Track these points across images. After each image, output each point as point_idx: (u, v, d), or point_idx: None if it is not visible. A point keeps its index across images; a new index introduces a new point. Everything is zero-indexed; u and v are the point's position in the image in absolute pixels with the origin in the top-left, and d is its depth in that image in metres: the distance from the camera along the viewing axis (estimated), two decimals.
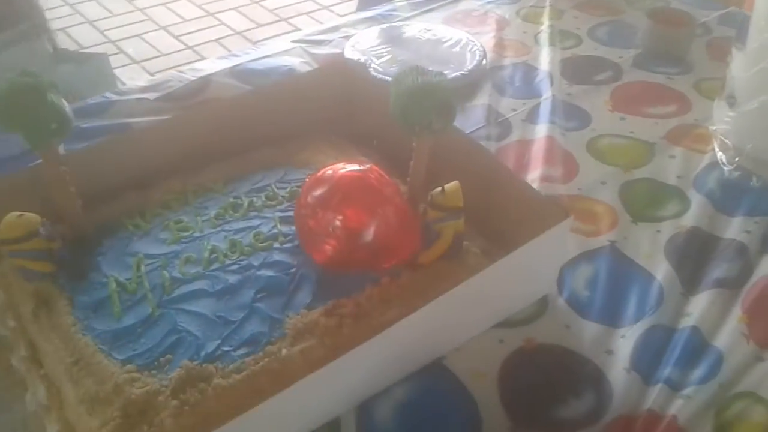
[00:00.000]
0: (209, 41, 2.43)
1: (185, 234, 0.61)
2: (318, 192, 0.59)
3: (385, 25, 1.08)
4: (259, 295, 0.56)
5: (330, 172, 0.60)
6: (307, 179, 0.61)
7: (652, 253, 0.68)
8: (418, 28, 1.07)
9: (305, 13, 2.75)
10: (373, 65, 0.95)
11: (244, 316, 0.54)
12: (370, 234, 0.57)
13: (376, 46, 1.02)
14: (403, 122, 0.57)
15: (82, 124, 0.84)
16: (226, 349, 0.52)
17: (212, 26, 2.56)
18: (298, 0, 2.87)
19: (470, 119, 0.88)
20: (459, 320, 0.57)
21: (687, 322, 0.61)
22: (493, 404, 0.54)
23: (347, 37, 1.05)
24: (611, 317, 0.61)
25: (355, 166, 0.60)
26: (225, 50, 2.31)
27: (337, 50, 1.01)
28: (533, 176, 0.78)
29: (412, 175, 0.61)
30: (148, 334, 0.53)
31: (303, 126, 0.76)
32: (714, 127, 0.83)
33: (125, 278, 0.57)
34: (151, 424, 0.47)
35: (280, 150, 0.73)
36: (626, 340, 0.59)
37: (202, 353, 0.51)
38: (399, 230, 0.59)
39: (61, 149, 0.65)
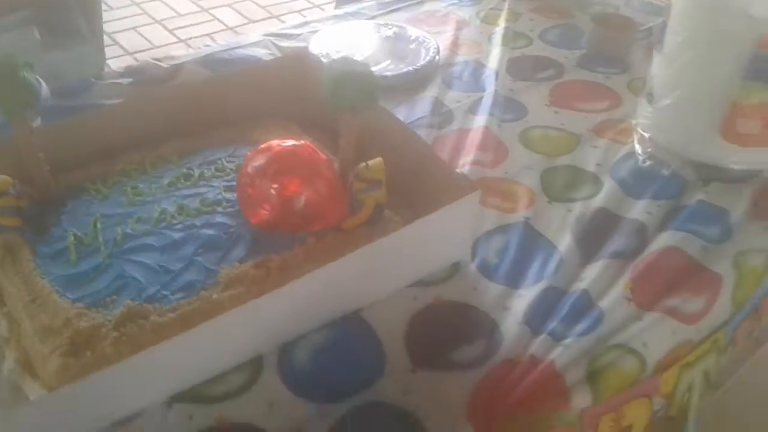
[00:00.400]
0: (202, 35, 2.52)
1: (139, 198, 0.70)
2: (257, 163, 0.67)
3: (349, 22, 1.17)
4: (199, 250, 0.64)
5: (268, 146, 0.68)
6: (249, 153, 0.69)
7: (559, 229, 0.76)
8: (381, 26, 1.15)
9: (297, 11, 2.84)
10: (332, 59, 1.03)
11: (183, 267, 0.62)
12: (301, 201, 0.65)
13: (340, 41, 1.10)
14: (331, 104, 0.65)
15: (63, 102, 0.93)
16: (164, 293, 0.60)
17: (206, 21, 2.65)
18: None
19: (417, 109, 0.96)
20: (375, 276, 0.65)
21: (579, 286, 0.69)
22: (398, 349, 0.62)
23: (315, 33, 1.13)
24: (513, 280, 0.69)
25: (292, 142, 0.68)
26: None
27: (303, 44, 1.10)
28: (465, 160, 0.86)
29: (342, 152, 0.69)
30: (99, 279, 0.61)
31: (260, 111, 0.84)
32: (635, 122, 0.92)
33: (82, 233, 0.65)
34: (94, 351, 0.55)
35: (235, 130, 0.81)
36: (522, 299, 0.67)
37: (144, 295, 0.59)
38: (327, 198, 0.67)
39: (38, 122, 0.74)
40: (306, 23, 1.18)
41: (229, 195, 0.70)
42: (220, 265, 0.63)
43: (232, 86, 0.86)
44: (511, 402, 0.58)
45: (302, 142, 0.69)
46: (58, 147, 0.70)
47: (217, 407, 0.57)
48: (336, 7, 1.51)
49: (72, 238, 0.64)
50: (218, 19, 2.68)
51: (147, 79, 0.99)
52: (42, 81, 0.68)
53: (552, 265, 0.71)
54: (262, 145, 0.69)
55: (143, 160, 0.75)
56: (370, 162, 0.66)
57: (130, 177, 0.73)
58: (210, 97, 0.83)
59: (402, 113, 0.94)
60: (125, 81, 0.98)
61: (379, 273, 0.66)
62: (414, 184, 0.74)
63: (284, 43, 1.10)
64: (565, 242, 0.74)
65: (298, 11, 2.83)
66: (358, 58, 1.03)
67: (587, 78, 1.06)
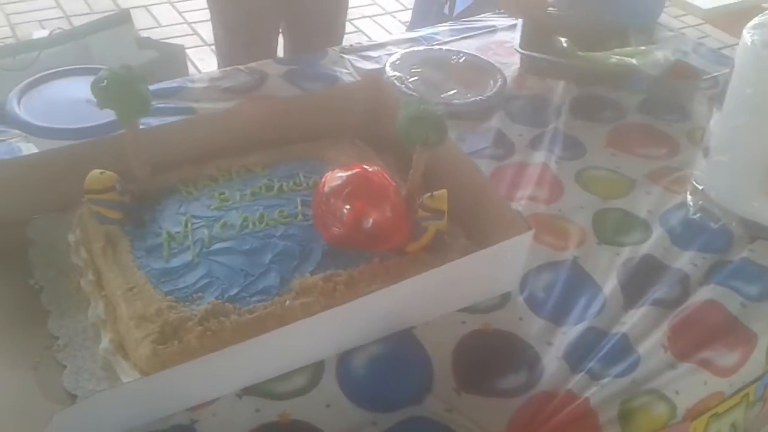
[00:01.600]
0: None
1: (226, 204, 0.77)
2: (333, 184, 0.73)
3: (422, 47, 1.23)
4: (275, 258, 0.71)
5: (345, 169, 0.75)
6: (328, 171, 0.76)
7: (606, 271, 0.81)
8: (453, 53, 1.21)
9: (368, 16, 2.91)
10: (405, 83, 1.10)
11: (262, 273, 0.69)
12: (368, 222, 0.72)
13: (412, 65, 1.16)
14: (405, 139, 0.71)
15: (156, 103, 1.01)
16: (244, 295, 0.67)
17: None
18: (365, 3, 3.04)
19: (480, 139, 1.01)
20: (430, 299, 0.71)
21: (619, 329, 0.73)
22: (445, 369, 0.68)
23: (390, 55, 1.20)
24: (558, 316, 0.75)
25: (365, 167, 0.75)
26: None
27: (378, 66, 1.16)
28: (522, 194, 0.91)
29: (410, 180, 0.75)
30: (188, 276, 0.68)
31: (336, 128, 0.90)
32: (691, 172, 0.95)
33: (175, 231, 0.73)
34: (180, 341, 0.63)
35: (313, 146, 0.88)
36: (565, 336, 0.72)
37: (226, 295, 0.67)
38: (393, 222, 0.73)
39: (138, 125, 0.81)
40: (382, 45, 1.24)
41: (305, 209, 0.77)
42: (293, 275, 0.69)
43: (314, 104, 0.93)
44: (546, 431, 0.63)
45: (375, 168, 0.75)
46: (155, 149, 0.79)
47: (281, 404, 0.64)
48: (409, 29, 1.58)
49: (165, 235, 0.72)
50: None
51: (235, 86, 1.07)
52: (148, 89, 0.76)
53: (596, 306, 0.76)
54: (339, 167, 0.75)
55: (230, 168, 0.82)
56: (436, 192, 0.72)
57: (218, 182, 0.81)
58: (292, 112, 0.90)
59: (466, 142, 1.00)
60: (216, 86, 1.06)
61: (433, 296, 0.72)
62: (471, 214, 0.79)
63: (360, 64, 1.17)
64: (610, 285, 0.79)
65: (370, 16, 2.90)
66: (429, 83, 1.10)
67: (647, 122, 1.09)
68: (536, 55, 1.14)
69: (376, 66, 1.16)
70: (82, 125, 0.82)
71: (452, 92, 1.10)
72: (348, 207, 0.72)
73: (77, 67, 0.90)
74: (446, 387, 0.67)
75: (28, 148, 0.89)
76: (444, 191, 0.72)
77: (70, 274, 0.73)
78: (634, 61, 1.10)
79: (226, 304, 0.66)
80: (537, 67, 1.16)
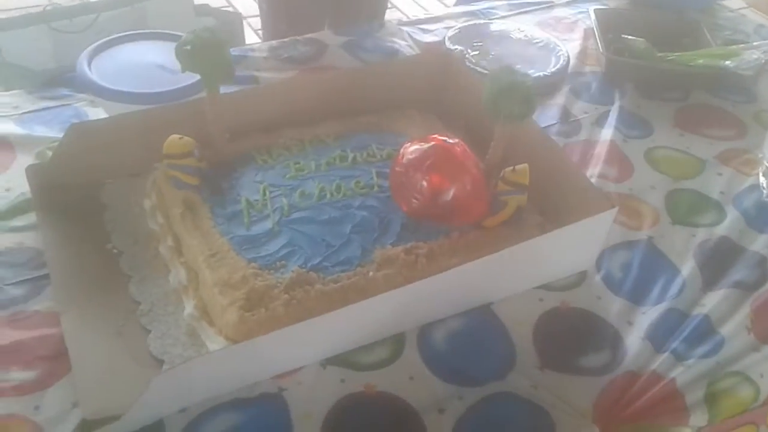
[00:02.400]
0: None
1: (302, 173, 0.76)
2: (413, 155, 0.72)
3: (482, 21, 1.21)
4: (355, 229, 0.70)
5: (424, 141, 0.73)
6: (406, 143, 0.75)
7: (683, 252, 0.79)
8: (512, 27, 1.19)
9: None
10: (467, 56, 1.08)
11: (342, 243, 0.68)
12: (449, 195, 0.70)
13: (473, 39, 1.14)
14: (492, 110, 0.70)
15: None
16: (326, 264, 0.66)
17: None
18: None
19: (546, 116, 1.00)
20: (509, 275, 0.70)
21: (700, 311, 0.72)
22: (527, 346, 0.67)
23: (448, 29, 1.18)
24: (636, 297, 0.73)
25: (446, 139, 0.74)
26: None
27: (438, 39, 1.14)
28: (591, 172, 0.89)
29: (491, 153, 0.74)
30: (270, 243, 0.68)
31: (401, 100, 0.89)
32: (762, 155, 0.93)
33: (254, 199, 0.72)
34: (267, 309, 0.62)
35: (381, 117, 0.87)
36: (645, 316, 0.71)
37: (309, 264, 0.66)
38: (472, 196, 0.72)
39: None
40: (439, 18, 1.22)
41: (380, 181, 0.76)
42: (374, 246, 0.69)
43: (378, 75, 0.91)
44: (633, 411, 0.62)
45: (456, 140, 0.74)
46: (229, 116, 0.78)
47: (365, 375, 0.63)
48: (456, 4, 1.54)
49: (245, 203, 0.71)
50: None
51: (295, 56, 1.06)
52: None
53: (675, 287, 0.75)
54: (417, 140, 0.74)
55: (302, 138, 0.81)
56: (518, 167, 0.71)
57: (291, 152, 0.80)
58: (358, 84, 0.89)
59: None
60: (275, 56, 1.05)
61: (512, 273, 0.71)
62: (546, 190, 0.78)
63: (419, 37, 1.15)
64: (688, 266, 0.77)
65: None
66: (490, 58, 1.08)
67: (713, 103, 1.07)
68: (625, 60, 1.08)
69: (434, 39, 1.14)
70: (153, 90, 0.81)
71: (516, 66, 1.07)
72: (428, 179, 0.70)
73: (146, 31, 0.89)
74: (529, 364, 0.66)
75: (96, 113, 0.89)
76: (526, 165, 0.71)
77: (147, 240, 0.73)
78: (728, 63, 1.04)
79: (310, 273, 0.65)
80: (622, 74, 1.09)
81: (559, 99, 1.04)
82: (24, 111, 0.89)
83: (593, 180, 0.88)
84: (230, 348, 0.59)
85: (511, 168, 0.71)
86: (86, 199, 0.76)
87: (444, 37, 1.13)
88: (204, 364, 0.57)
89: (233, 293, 0.63)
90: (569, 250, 0.73)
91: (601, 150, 0.94)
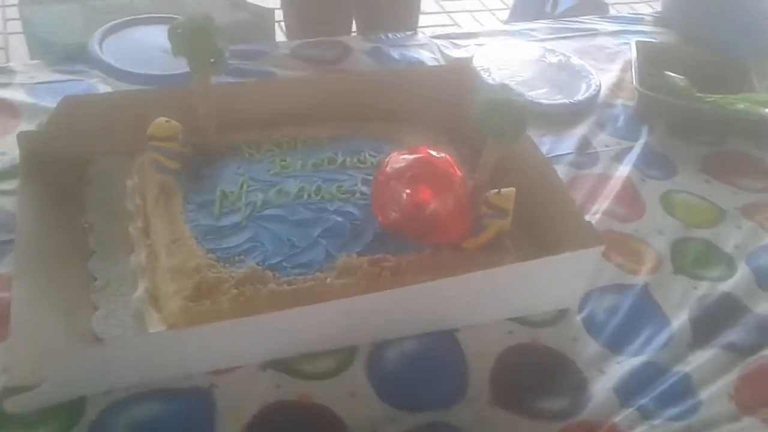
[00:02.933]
0: None
1: (286, 171, 0.75)
2: (397, 165, 0.70)
3: (516, 41, 1.17)
4: (324, 233, 0.68)
5: (411, 152, 0.71)
6: (394, 152, 0.72)
7: (678, 304, 0.74)
8: (547, 51, 1.15)
9: (468, 11, 2.85)
10: (491, 75, 1.04)
11: (308, 245, 0.66)
12: (428, 211, 0.67)
13: (503, 58, 1.11)
14: (480, 128, 0.67)
15: (238, 64, 1.01)
16: (285, 265, 0.64)
17: None
18: None
19: (563, 144, 0.95)
20: (478, 302, 0.67)
21: (682, 368, 0.67)
22: (482, 379, 0.63)
23: (481, 46, 1.15)
24: (615, 344, 0.68)
25: (433, 152, 0.71)
26: None
27: (468, 56, 1.11)
28: (598, 208, 0.85)
29: (479, 173, 0.71)
30: (233, 237, 0.66)
31: (413, 112, 0.86)
32: None
33: (230, 190, 0.71)
34: (213, 302, 0.60)
35: (386, 126, 0.84)
36: (620, 366, 0.66)
37: (267, 263, 0.64)
38: (453, 214, 0.68)
39: (212, 80, 0.80)
40: (475, 34, 1.20)
41: (364, 188, 0.74)
42: (340, 253, 0.66)
43: (393, 82, 0.89)
44: None
45: (443, 155, 0.71)
46: (227, 106, 0.77)
47: (303, 384, 0.61)
48: (507, 22, 1.52)
49: (219, 193, 0.70)
50: None
51: (317, 56, 1.05)
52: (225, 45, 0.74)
53: (660, 340, 0.69)
54: (405, 150, 0.71)
55: (297, 136, 0.80)
56: (503, 190, 0.67)
57: (282, 149, 0.78)
58: (370, 89, 0.87)
59: (547, 144, 0.94)
60: (297, 54, 1.04)
61: (483, 300, 0.67)
62: (539, 218, 0.74)
63: (449, 51, 1.12)
64: (680, 319, 0.72)
65: (470, 11, 2.84)
66: (518, 79, 1.04)
67: (748, 152, 1.00)
68: (658, 96, 1.02)
69: (464, 55, 1.12)
70: (157, 72, 0.81)
71: (541, 91, 1.04)
72: (408, 191, 0.68)
73: (161, 15, 0.89)
74: (479, 398, 0.62)
75: (106, 90, 0.89)
76: (512, 190, 0.67)
77: (121, 219, 0.72)
78: None
79: (266, 271, 0.63)
80: (655, 110, 1.03)
81: (581, 129, 0.99)
82: (37, 81, 0.91)
83: (597, 216, 0.83)
84: (160, 334, 0.58)
85: (496, 191, 0.68)
86: (74, 172, 0.77)
87: (474, 54, 1.10)
88: (132, 346, 0.56)
89: (183, 281, 0.62)
90: (548, 283, 0.69)
91: (614, 186, 0.89)
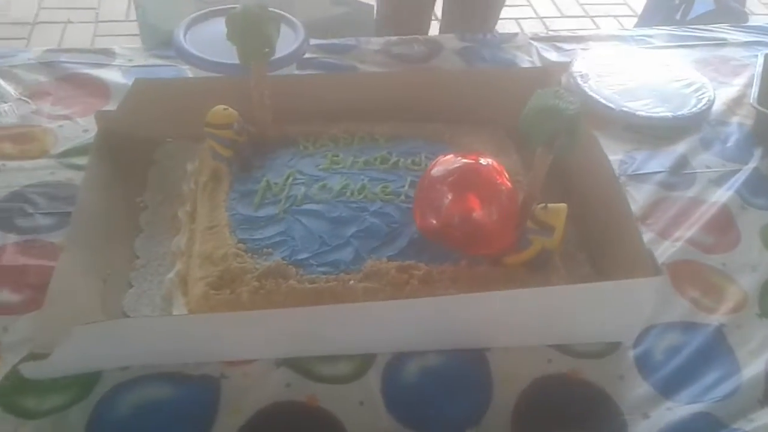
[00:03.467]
0: (508, 18, 2.50)
1: (335, 166, 0.73)
2: (442, 168, 0.66)
3: (626, 47, 1.08)
4: (358, 233, 0.65)
5: (460, 156, 0.66)
6: (442, 156, 0.69)
7: (756, 351, 0.64)
8: (659, 60, 1.05)
9: (614, 16, 2.70)
10: (588, 82, 0.97)
11: (339, 244, 0.64)
12: (470, 220, 0.63)
13: (606, 65, 1.02)
14: (525, 135, 0.61)
15: (324, 58, 1.01)
16: (311, 262, 0.63)
17: (517, 5, 2.64)
18: (614, 1, 2.82)
19: (655, 161, 0.86)
20: (517, 323, 0.61)
21: (744, 426, 0.58)
22: (506, 406, 0.58)
23: (587, 50, 1.07)
24: (669, 388, 0.61)
25: (483, 159, 0.66)
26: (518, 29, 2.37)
27: (567, 59, 1.04)
28: (681, 234, 0.76)
29: (528, 185, 0.65)
30: (266, 228, 0.66)
31: (485, 115, 0.82)
32: None
33: (274, 182, 0.70)
34: (233, 291, 0.60)
35: (449, 129, 0.81)
36: (669, 413, 0.58)
37: (293, 258, 0.63)
38: (496, 227, 0.63)
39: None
40: (582, 38, 1.12)
41: (411, 191, 0.70)
42: (369, 255, 0.64)
43: (467, 83, 0.85)
44: None
45: (492, 162, 0.66)
46: (286, 98, 0.76)
47: (314, 386, 0.59)
48: (636, 26, 1.41)
49: (264, 183, 0.70)
50: (531, 6, 2.66)
51: (406, 53, 1.03)
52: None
53: (724, 389, 0.60)
54: (455, 154, 0.67)
55: (355, 132, 0.78)
56: (552, 205, 0.62)
57: (337, 144, 0.77)
58: (441, 88, 0.83)
59: (636, 160, 0.86)
60: (386, 50, 1.03)
61: (522, 321, 0.62)
62: (599, 238, 0.68)
63: (548, 54, 1.06)
64: (754, 369, 0.62)
65: (615, 16, 2.68)
66: (617, 88, 0.96)
67: None
68: None
69: (564, 60, 1.05)
70: (233, 61, 0.82)
71: (642, 102, 0.95)
72: (451, 197, 0.64)
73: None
74: (498, 427, 0.57)
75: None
76: (563, 206, 0.61)
77: (175, 201, 0.74)
78: None
79: (290, 266, 0.62)
80: None
81: (682, 146, 0.89)
82: (134, 65, 0.96)
83: (678, 243, 0.74)
84: (167, 318, 0.58)
85: (543, 205, 0.62)
86: (142, 153, 0.80)
87: (574, 58, 1.03)
88: (139, 327, 0.56)
89: (209, 268, 0.62)
90: (596, 312, 0.62)
91: (706, 212, 0.79)
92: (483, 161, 0.66)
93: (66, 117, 0.86)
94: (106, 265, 0.66)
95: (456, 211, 0.64)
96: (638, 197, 0.80)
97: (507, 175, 0.66)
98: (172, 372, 0.59)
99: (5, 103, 0.87)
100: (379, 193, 0.70)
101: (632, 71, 1.02)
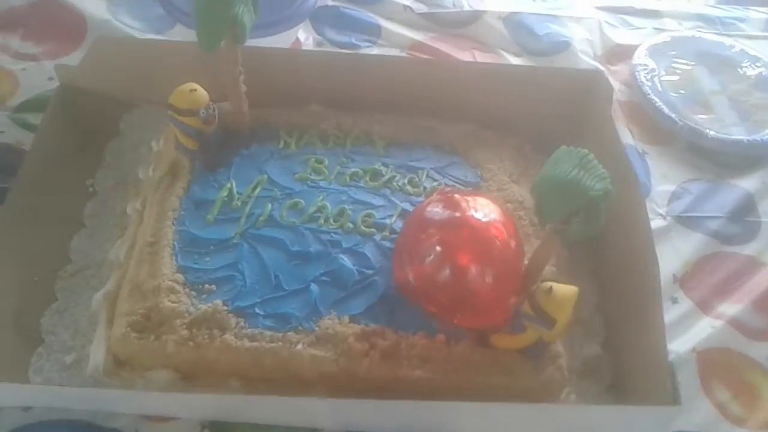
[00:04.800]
0: None
1: (315, 178, 0.61)
2: (438, 210, 0.53)
3: (709, 33, 0.89)
4: (322, 277, 0.54)
5: (467, 200, 0.53)
6: (440, 191, 0.56)
7: None
8: (748, 56, 0.86)
9: None
10: (654, 81, 0.80)
11: (295, 290, 0.53)
12: (459, 281, 0.51)
13: (680, 56, 0.84)
14: (536, 206, 0.48)
15: (346, 8, 0.86)
16: (258, 311, 0.52)
17: None
18: None
19: (714, 200, 0.71)
20: None
21: None
22: None
23: (660, 30, 0.89)
24: None
25: (494, 213, 0.52)
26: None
27: (635, 44, 0.85)
28: (724, 310, 0.62)
29: (529, 264, 0.52)
30: (216, 255, 0.55)
31: (513, 123, 0.68)
32: None
33: (239, 191, 0.59)
34: (158, 338, 0.50)
35: (464, 136, 0.67)
36: None
37: (236, 303, 0.52)
38: (490, 294, 0.51)
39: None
40: (657, 14, 0.93)
41: (398, 223, 0.58)
42: (328, 311, 0.53)
43: (500, 82, 0.69)
44: None
45: (503, 219, 0.53)
46: (272, 76, 0.64)
47: None
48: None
49: (226, 192, 0.59)
50: None
51: (438, 14, 0.87)
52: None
53: None
54: (462, 195, 0.54)
55: (349, 130, 0.65)
56: (558, 287, 0.48)
57: (326, 144, 0.65)
58: (469, 85, 0.69)
59: (691, 195, 0.71)
60: (415, 7, 0.87)
61: None
62: (618, 306, 0.57)
63: (611, 33, 0.88)
64: None
65: None
66: (683, 92, 0.79)
67: None
68: None
69: (630, 43, 0.86)
70: None
71: (715, 116, 0.78)
72: (439, 250, 0.51)
73: None
74: None
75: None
76: (571, 293, 0.47)
77: (128, 190, 0.64)
78: None
79: (230, 314, 0.52)
80: None
81: (751, 182, 0.73)
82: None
83: (718, 322, 0.61)
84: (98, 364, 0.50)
85: (549, 286, 0.48)
86: (106, 119, 0.69)
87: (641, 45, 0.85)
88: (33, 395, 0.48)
89: (137, 302, 0.53)
90: None
91: (763, 281, 0.65)
92: (492, 215, 0.52)
93: (32, 58, 0.75)
94: (33, 265, 0.57)
95: (445, 266, 0.51)
96: (683, 249, 0.66)
97: (514, 230, 0.53)
98: (81, 421, 0.51)
99: None
100: (359, 224, 0.58)
101: (711, 68, 0.84)
